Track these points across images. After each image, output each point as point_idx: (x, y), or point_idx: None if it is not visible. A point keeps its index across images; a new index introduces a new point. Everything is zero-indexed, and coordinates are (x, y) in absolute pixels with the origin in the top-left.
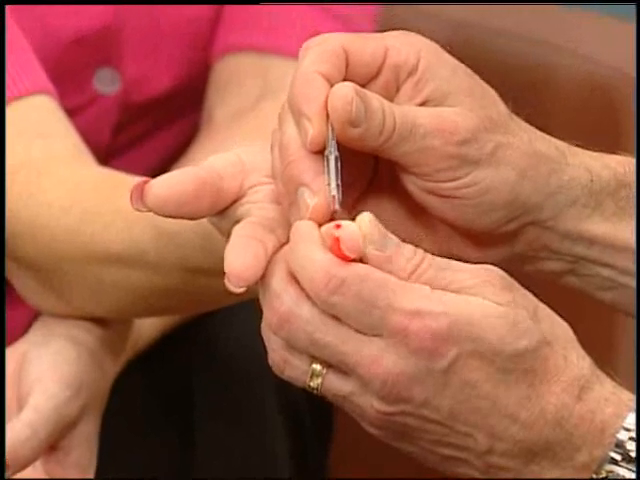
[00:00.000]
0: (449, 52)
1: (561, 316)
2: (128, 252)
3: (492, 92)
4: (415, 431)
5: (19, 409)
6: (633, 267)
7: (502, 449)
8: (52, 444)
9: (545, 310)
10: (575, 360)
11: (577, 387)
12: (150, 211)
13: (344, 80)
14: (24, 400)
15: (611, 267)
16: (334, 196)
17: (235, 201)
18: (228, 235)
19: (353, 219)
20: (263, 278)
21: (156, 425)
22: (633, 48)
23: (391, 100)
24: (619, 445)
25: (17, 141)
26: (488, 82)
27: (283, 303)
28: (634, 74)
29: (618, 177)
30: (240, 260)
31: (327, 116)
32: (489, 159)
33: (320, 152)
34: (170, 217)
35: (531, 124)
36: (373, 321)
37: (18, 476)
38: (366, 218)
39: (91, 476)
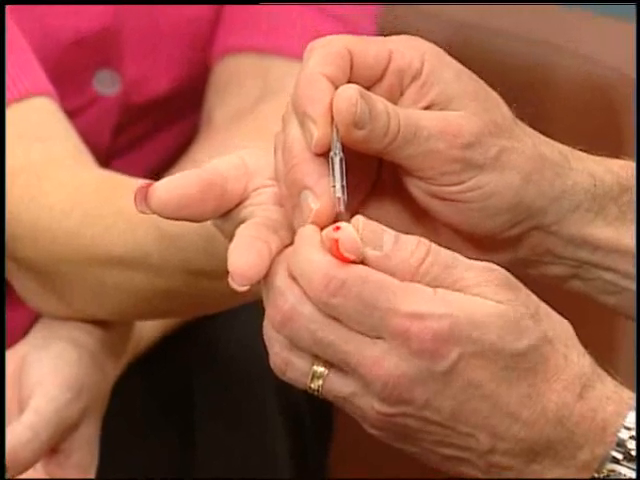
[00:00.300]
0: (449, 52)
1: (562, 316)
2: (130, 254)
3: (496, 96)
4: (416, 432)
5: (20, 411)
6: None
7: (504, 448)
8: (53, 446)
9: (546, 309)
10: (576, 358)
11: (578, 385)
12: (154, 213)
13: (348, 82)
14: (25, 402)
15: (614, 271)
16: (339, 198)
17: (239, 204)
18: (231, 238)
19: None
20: (266, 277)
21: (157, 426)
22: (633, 48)
23: (395, 104)
24: (620, 444)
25: (17, 143)
26: (488, 82)
27: (287, 301)
28: (634, 74)
29: (621, 182)
30: (244, 259)
31: (332, 118)
32: (493, 163)
33: (324, 155)
34: (174, 219)
35: (531, 124)
36: (374, 323)
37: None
38: (360, 220)
39: (92, 477)
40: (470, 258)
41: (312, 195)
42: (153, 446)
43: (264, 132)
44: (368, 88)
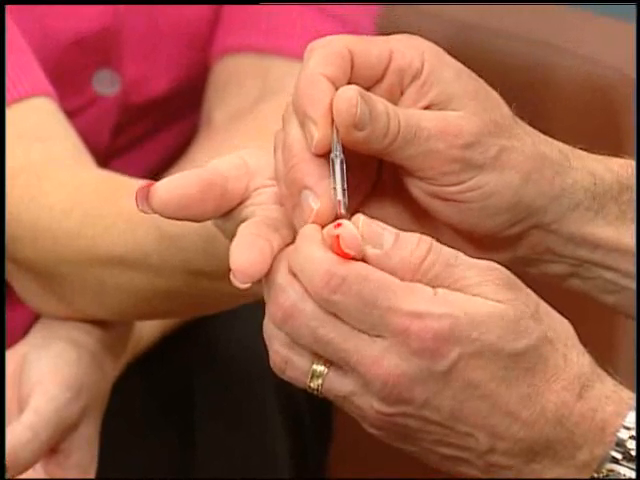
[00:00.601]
0: (449, 52)
1: (562, 315)
2: (130, 255)
3: (496, 95)
4: (416, 432)
5: (19, 411)
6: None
7: (503, 448)
8: (53, 446)
9: (547, 308)
10: (575, 358)
11: (578, 385)
12: (155, 213)
13: (349, 82)
14: (24, 402)
15: (614, 270)
16: (340, 200)
17: (240, 203)
18: (232, 238)
19: None
20: (268, 275)
21: (156, 425)
22: (633, 48)
23: (395, 104)
24: (620, 444)
25: (17, 144)
26: (488, 82)
27: (288, 298)
28: (634, 74)
29: (621, 180)
30: (245, 256)
31: (332, 119)
32: (493, 163)
33: (324, 155)
34: (175, 219)
35: (531, 124)
36: (374, 321)
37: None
38: (360, 218)
39: (92, 477)
40: (470, 257)
41: (313, 195)
42: (153, 446)
43: (264, 132)
44: (369, 88)
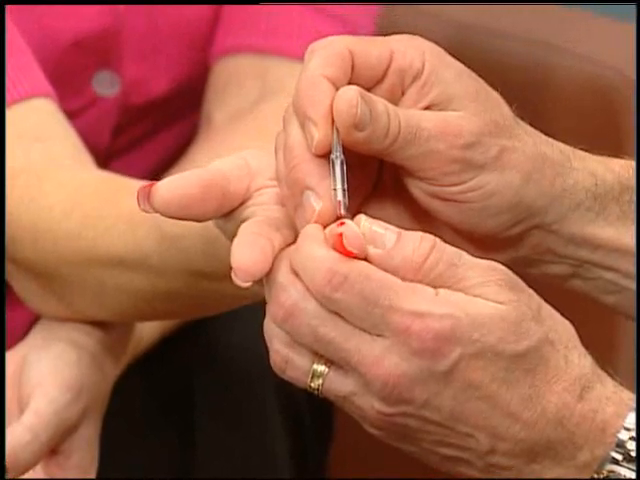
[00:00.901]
0: (449, 52)
1: (563, 315)
2: (131, 255)
3: (497, 96)
4: (416, 432)
5: (19, 412)
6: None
7: (504, 449)
8: (53, 448)
9: (548, 309)
10: (576, 359)
11: (578, 386)
12: (156, 212)
13: (349, 83)
14: (24, 403)
15: (615, 271)
16: (340, 201)
17: (241, 204)
18: (233, 238)
19: None
20: (269, 273)
21: (156, 425)
22: (633, 48)
23: (396, 104)
24: (620, 445)
25: (17, 144)
26: (488, 82)
27: (290, 296)
28: (634, 75)
29: (622, 181)
30: (247, 255)
31: (332, 120)
32: (494, 163)
33: (325, 155)
34: (176, 219)
35: (531, 124)
36: (375, 320)
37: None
38: (362, 218)
39: (92, 478)
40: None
41: (314, 195)
42: (153, 446)
43: (264, 132)
44: (369, 89)
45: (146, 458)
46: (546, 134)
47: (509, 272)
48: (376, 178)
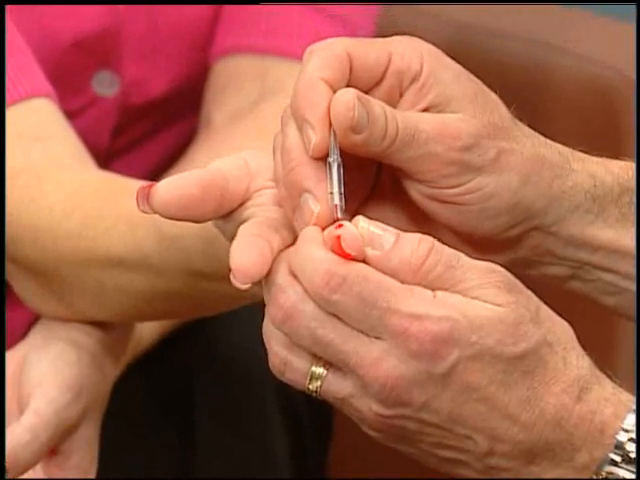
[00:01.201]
0: (448, 52)
1: (562, 316)
2: (130, 256)
3: (495, 98)
4: (414, 434)
5: (19, 412)
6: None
7: (502, 450)
8: (53, 448)
9: (547, 311)
10: (575, 361)
11: (577, 388)
12: (155, 213)
13: (348, 85)
14: (24, 403)
15: (614, 272)
16: (337, 205)
17: (240, 205)
18: (232, 239)
19: None
20: (268, 275)
21: (156, 425)
22: (633, 48)
23: (394, 106)
24: (619, 446)
25: (17, 144)
26: (487, 82)
27: (288, 298)
28: (634, 75)
29: (621, 183)
30: (246, 257)
31: (330, 122)
32: (492, 165)
33: (323, 158)
34: (176, 219)
35: (530, 125)
36: (373, 322)
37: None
38: (361, 220)
39: (92, 478)
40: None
41: (312, 198)
42: (153, 446)
43: (264, 132)
44: (368, 91)
45: (146, 458)
46: (546, 134)
47: (508, 274)
48: (374, 180)
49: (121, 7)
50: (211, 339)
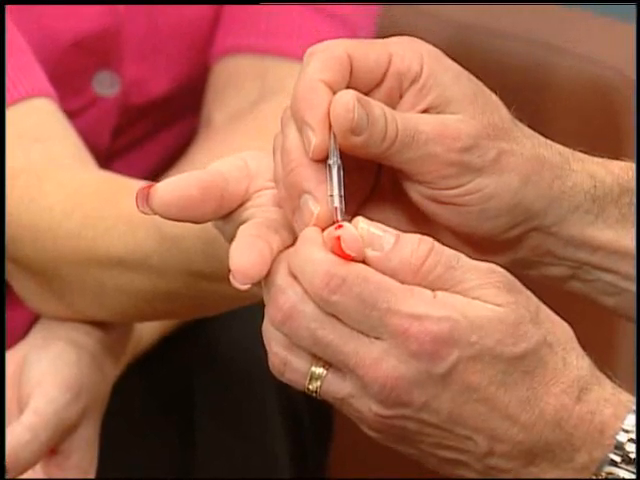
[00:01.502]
0: (448, 53)
1: (561, 317)
2: (131, 256)
3: (495, 98)
4: (414, 434)
5: (19, 412)
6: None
7: (502, 451)
8: (52, 447)
9: (547, 311)
10: (575, 361)
11: (577, 388)
12: (155, 214)
13: (348, 87)
14: (24, 403)
15: (614, 273)
16: (337, 207)
17: (240, 205)
18: (232, 240)
19: None
20: (268, 276)
21: (156, 425)
22: (633, 48)
23: (394, 107)
24: (618, 447)
25: (17, 144)
26: (487, 83)
27: (288, 299)
28: (634, 75)
29: (621, 183)
30: (245, 257)
31: (330, 124)
32: (492, 166)
33: (323, 159)
34: (175, 220)
35: (530, 125)
36: (373, 322)
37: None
38: (360, 220)
39: (92, 478)
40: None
41: (312, 199)
42: (153, 446)
43: (264, 132)
44: (368, 92)
45: (146, 458)
46: (546, 134)
47: (507, 274)
48: (374, 181)
49: (121, 7)
50: (211, 339)
